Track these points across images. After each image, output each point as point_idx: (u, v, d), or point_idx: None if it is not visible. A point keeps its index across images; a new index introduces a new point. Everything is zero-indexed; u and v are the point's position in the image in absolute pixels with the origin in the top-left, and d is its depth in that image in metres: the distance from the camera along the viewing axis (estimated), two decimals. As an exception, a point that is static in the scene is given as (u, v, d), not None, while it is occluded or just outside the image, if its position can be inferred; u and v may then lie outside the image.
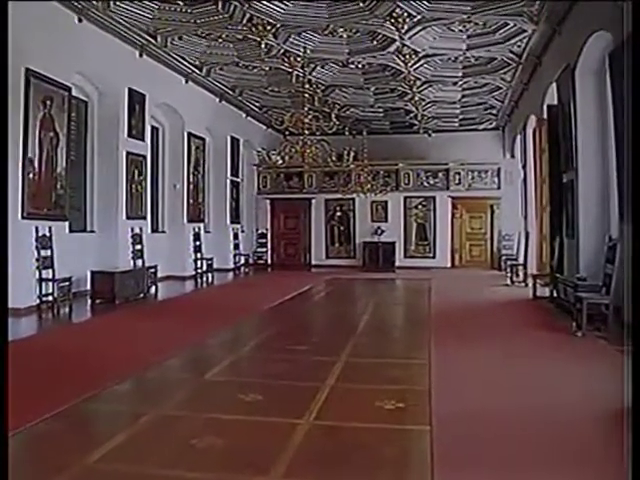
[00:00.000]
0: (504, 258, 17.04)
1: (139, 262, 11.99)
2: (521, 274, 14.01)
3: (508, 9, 10.05)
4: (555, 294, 9.94)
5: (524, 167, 16.07)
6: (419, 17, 10.49)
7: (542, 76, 12.52)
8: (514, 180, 18.02)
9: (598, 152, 9.17)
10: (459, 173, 19.14)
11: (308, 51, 12.14)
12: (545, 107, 11.86)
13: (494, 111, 18.36)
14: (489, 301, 11.05)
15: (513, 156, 18.53)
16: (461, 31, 11.35)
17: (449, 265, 19.10)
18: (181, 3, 10.08)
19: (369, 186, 17.19)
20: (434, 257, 19.22)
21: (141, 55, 12.29)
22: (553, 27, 10.64)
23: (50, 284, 9.42)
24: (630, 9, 6.22)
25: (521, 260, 14.56)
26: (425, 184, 19.28)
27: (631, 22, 6.10)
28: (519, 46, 11.99)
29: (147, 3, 10.09)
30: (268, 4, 10.15)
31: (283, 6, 10.29)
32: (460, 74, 14.18)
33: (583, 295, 7.54)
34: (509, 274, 14.36)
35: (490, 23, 10.93)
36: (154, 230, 14.28)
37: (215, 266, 15.83)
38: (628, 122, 6.79)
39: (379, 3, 9.96)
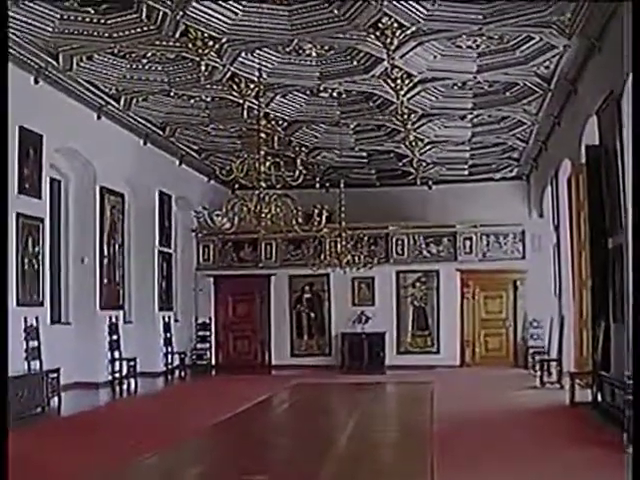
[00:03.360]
0: (531, 352, 17.01)
1: (35, 364, 11.74)
2: (554, 372, 13.97)
3: (532, 18, 10.13)
4: (600, 398, 9.86)
5: (557, 229, 16.22)
6: (414, 29, 10.53)
7: (578, 107, 12.60)
8: (543, 247, 18.15)
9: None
10: (470, 238, 19.24)
11: (264, 75, 12.13)
12: (583, 148, 11.90)
13: (515, 154, 18.51)
14: (512, 411, 11.01)
15: (542, 215, 18.68)
16: (470, 48, 11.37)
17: (458, 363, 19.07)
18: (91, 11, 10.07)
19: (349, 257, 16.88)
20: (438, 352, 19.22)
21: (36, 81, 12.25)
22: (591, 42, 10.71)
23: None
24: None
25: (554, 354, 14.45)
26: (425, 254, 19.35)
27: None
28: (547, 67, 12.08)
29: (38, 9, 10.08)
30: (210, 11, 10.15)
31: (230, 14, 10.28)
32: (469, 105, 14.29)
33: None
34: (538, 373, 14.33)
35: (508, 37, 10.97)
36: (55, 321, 14.07)
37: (139, 369, 15.65)
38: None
39: (360, 9, 9.99)
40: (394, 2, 9.77)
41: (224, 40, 11.00)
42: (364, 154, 18.43)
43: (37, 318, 12.16)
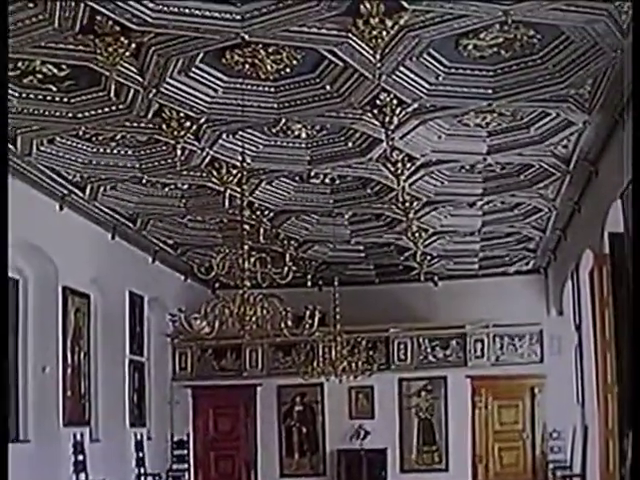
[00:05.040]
0: (552, 467, 17.21)
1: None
2: (578, 490, 14.07)
3: (547, 92, 10.08)
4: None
5: (578, 328, 16.32)
6: (415, 106, 10.47)
7: (600, 191, 12.58)
8: (564, 349, 18.28)
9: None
10: (481, 340, 19.29)
11: (248, 159, 11.94)
12: (606, 236, 11.88)
13: (531, 245, 18.58)
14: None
15: (562, 313, 18.83)
16: (479, 126, 11.38)
17: (470, 481, 18.98)
18: (53, 88, 10.00)
19: (345, 364, 16.68)
20: (447, 470, 19.16)
21: (-10, 168, 12.16)
22: (613, 117, 10.69)
23: None
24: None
25: (577, 469, 14.68)
26: (431, 358, 19.41)
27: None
28: (565, 147, 12.09)
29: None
30: (186, 88, 10.04)
31: (209, 91, 10.20)
32: (479, 190, 14.28)
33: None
34: (560, 490, 14.42)
35: (521, 114, 10.95)
36: (12, 439, 13.51)
37: (107, 494, 15.25)
38: None
39: (355, 84, 9.89)
40: (393, 76, 9.66)
41: (202, 120, 10.90)
42: (361, 248, 18.43)
43: (-10, 437, 11.78)
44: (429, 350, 19.42)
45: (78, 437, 14.82)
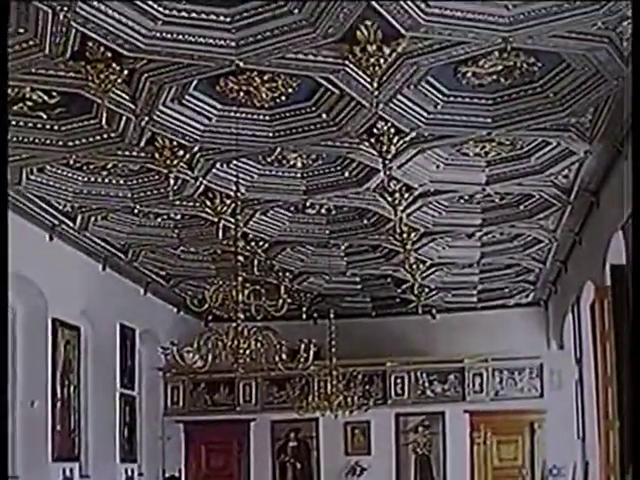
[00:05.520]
0: None
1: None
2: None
3: (547, 120, 10.10)
4: None
5: (579, 362, 16.27)
6: (413, 134, 10.46)
7: (601, 222, 12.60)
8: (564, 383, 18.23)
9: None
10: (480, 374, 19.19)
11: (242, 189, 11.93)
12: (608, 268, 11.89)
13: (531, 277, 18.60)
14: None
15: (562, 346, 18.85)
16: (478, 155, 11.39)
17: (469, 519, 18.91)
18: (43, 116, 10.01)
19: (340, 399, 16.63)
20: None
21: (-20, 198, 12.15)
22: (615, 147, 10.72)
23: None
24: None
25: None
26: (428, 393, 19.33)
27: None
28: (566, 177, 12.09)
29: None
30: (180, 116, 10.05)
31: (203, 119, 10.20)
32: (478, 221, 14.28)
33: None
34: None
35: (521, 143, 10.99)
36: (-2, 476, 13.60)
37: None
38: None
39: (351, 113, 9.91)
40: (390, 104, 9.67)
41: (196, 149, 10.88)
42: (357, 279, 18.44)
43: (-24, 474, 11.69)
44: (427, 384, 19.33)
45: (67, 472, 14.81)
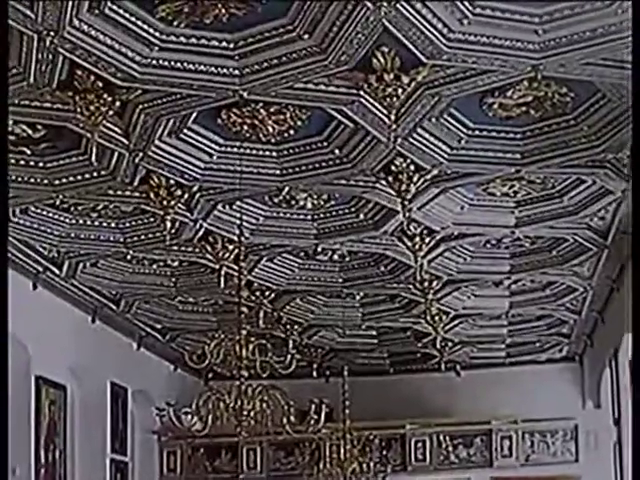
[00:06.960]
0: None
1: None
2: None
3: (581, 156, 10.02)
4: None
5: (618, 423, 16.53)
6: (435, 172, 10.35)
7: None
8: (601, 445, 18.25)
9: None
10: (509, 437, 19.13)
11: (246, 233, 11.85)
12: None
13: (565, 329, 18.63)
14: None
15: (599, 405, 18.96)
16: (506, 195, 11.38)
17: None
18: (27, 151, 9.95)
19: (355, 465, 16.47)
20: None
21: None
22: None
23: None
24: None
25: None
26: (452, 458, 19.24)
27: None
28: (602, 218, 12.06)
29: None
30: (177, 152, 9.96)
31: (203, 156, 10.11)
32: (506, 268, 14.25)
33: None
34: None
35: (553, 181, 11.00)
36: None
37: None
38: None
39: (367, 148, 9.83)
40: (409, 139, 9.60)
41: (195, 189, 10.79)
42: (373, 333, 18.50)
43: None
44: (450, 449, 19.28)
45: None
